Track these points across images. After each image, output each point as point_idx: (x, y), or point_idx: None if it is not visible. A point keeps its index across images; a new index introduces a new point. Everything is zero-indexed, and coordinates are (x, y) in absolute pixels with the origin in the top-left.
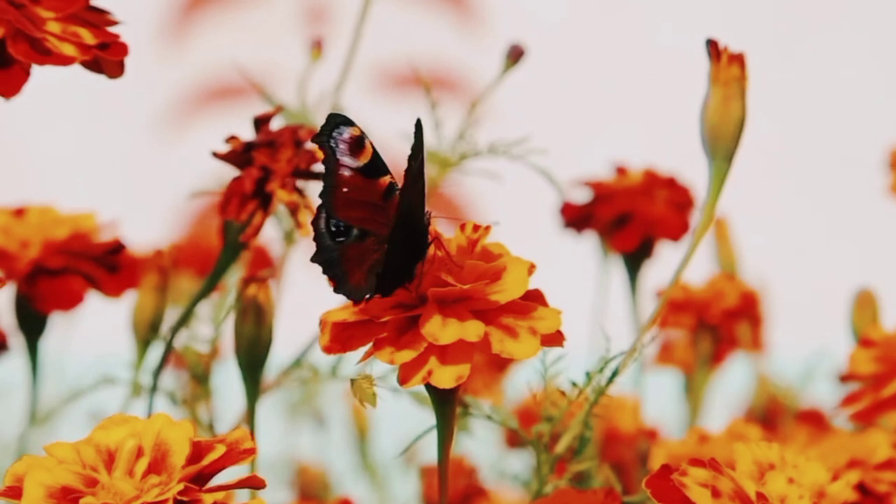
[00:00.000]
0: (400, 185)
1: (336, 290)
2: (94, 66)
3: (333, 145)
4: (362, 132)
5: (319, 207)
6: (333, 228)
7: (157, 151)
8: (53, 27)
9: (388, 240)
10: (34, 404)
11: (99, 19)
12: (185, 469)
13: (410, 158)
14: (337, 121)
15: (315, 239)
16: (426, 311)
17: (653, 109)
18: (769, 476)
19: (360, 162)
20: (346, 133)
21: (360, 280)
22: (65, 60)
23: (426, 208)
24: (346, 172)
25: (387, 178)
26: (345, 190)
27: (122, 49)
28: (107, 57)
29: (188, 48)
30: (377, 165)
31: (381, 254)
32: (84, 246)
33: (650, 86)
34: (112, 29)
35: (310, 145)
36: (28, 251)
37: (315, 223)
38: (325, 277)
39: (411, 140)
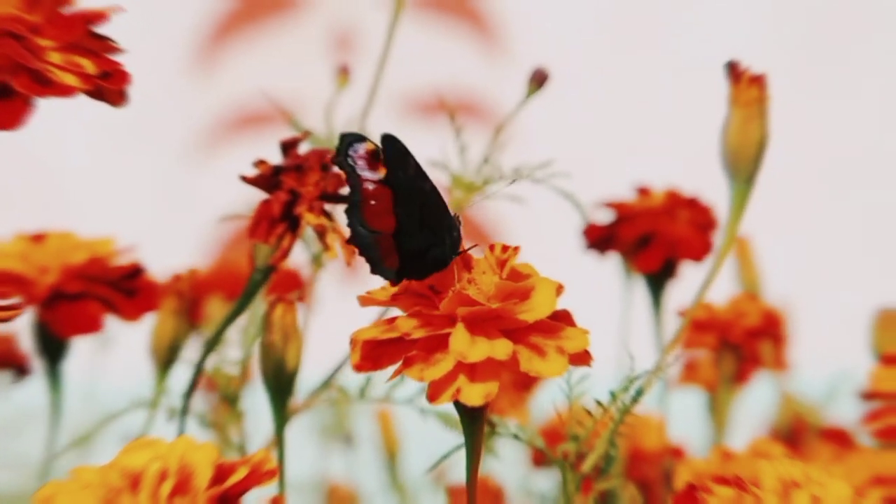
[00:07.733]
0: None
1: (372, 271)
2: (96, 94)
3: (352, 163)
4: (376, 146)
5: (350, 219)
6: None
7: (187, 177)
8: (54, 57)
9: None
10: (56, 427)
11: (100, 46)
12: (209, 491)
13: (396, 170)
14: (350, 139)
15: (350, 229)
16: (455, 330)
17: (675, 131)
18: (793, 493)
19: (381, 174)
20: (361, 149)
21: (394, 264)
22: (66, 91)
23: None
24: (370, 186)
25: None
26: (372, 202)
27: (124, 77)
28: (108, 86)
29: (217, 76)
30: None
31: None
32: (102, 271)
33: (672, 108)
34: (114, 56)
35: (337, 169)
36: (46, 277)
37: (350, 226)
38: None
39: (433, 165)
